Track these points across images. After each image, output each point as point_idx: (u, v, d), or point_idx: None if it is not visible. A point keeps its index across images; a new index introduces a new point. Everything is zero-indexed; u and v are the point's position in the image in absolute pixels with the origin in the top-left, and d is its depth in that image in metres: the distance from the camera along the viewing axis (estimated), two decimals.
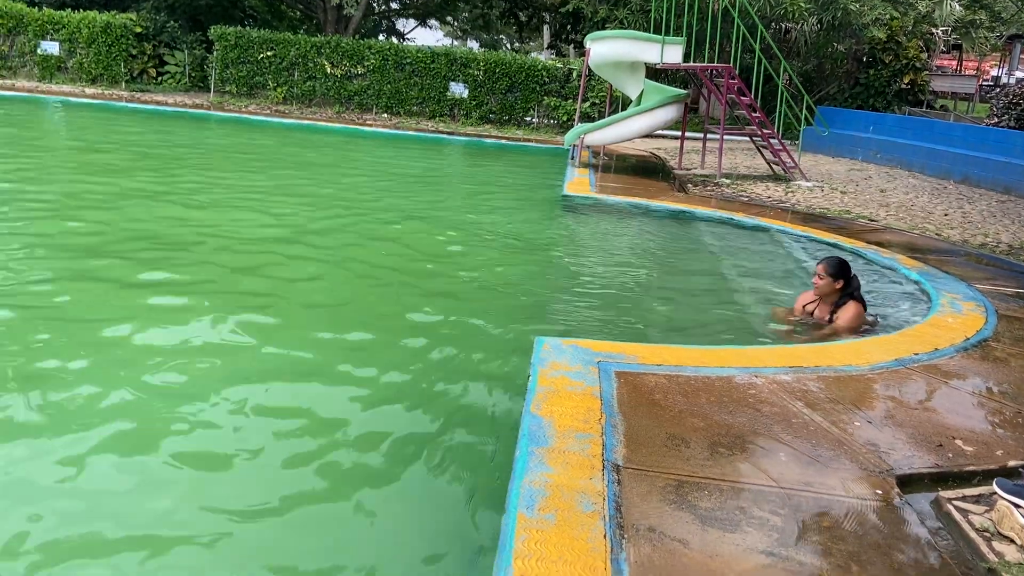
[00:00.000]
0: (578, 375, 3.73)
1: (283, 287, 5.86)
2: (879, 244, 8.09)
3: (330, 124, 18.73)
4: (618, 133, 12.99)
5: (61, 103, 18.48)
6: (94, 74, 21.46)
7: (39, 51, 21.51)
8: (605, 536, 2.42)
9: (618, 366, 3.90)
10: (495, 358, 4.78)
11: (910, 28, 21.35)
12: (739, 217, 9.35)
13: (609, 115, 14.43)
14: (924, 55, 21.82)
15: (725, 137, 13.30)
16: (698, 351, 4.31)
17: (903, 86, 21.43)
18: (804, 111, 14.29)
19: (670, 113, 12.77)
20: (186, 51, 22.21)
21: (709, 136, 14.79)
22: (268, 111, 19.77)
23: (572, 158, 13.78)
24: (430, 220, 8.83)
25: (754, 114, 12.59)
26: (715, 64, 13.11)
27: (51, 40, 21.44)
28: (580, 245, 8.37)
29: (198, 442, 3.52)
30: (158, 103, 19.16)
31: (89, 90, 20.34)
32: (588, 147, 13.93)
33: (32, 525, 2.84)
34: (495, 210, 9.83)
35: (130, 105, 18.77)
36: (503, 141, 18.56)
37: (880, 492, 2.89)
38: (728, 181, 12.57)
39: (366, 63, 20.97)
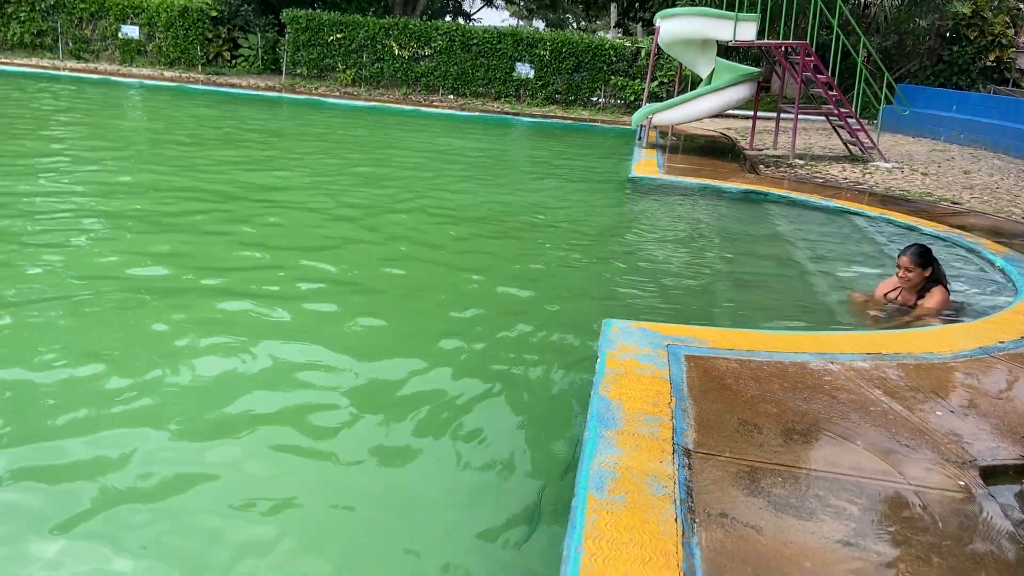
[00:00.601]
0: (647, 358, 3.70)
1: (350, 266, 5.96)
2: (962, 228, 7.78)
3: (397, 105, 18.90)
4: (687, 113, 12.76)
5: (141, 86, 19.09)
6: (172, 57, 22.08)
7: (120, 35, 22.23)
8: (676, 520, 2.41)
9: (688, 350, 3.85)
10: (563, 339, 4.77)
11: (996, 3, 20.35)
12: (813, 199, 9.11)
13: (678, 95, 14.18)
14: (1011, 31, 20.79)
15: (800, 116, 12.95)
16: (771, 336, 4.23)
17: (988, 63, 20.47)
18: (884, 89, 13.77)
19: (742, 92, 12.49)
20: (259, 34, 22.65)
21: (782, 115, 14.40)
22: (337, 93, 20.05)
23: (639, 139, 13.60)
24: (495, 201, 8.85)
25: (831, 92, 12.20)
26: (790, 41, 12.74)
27: (131, 24, 22.13)
28: (648, 227, 8.28)
29: (295, 402, 3.62)
30: (232, 85, 19.63)
31: (167, 73, 20.95)
32: (656, 127, 13.74)
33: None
34: (561, 191, 9.79)
35: (206, 88, 19.27)
36: (569, 122, 18.45)
37: (962, 483, 2.80)
38: (802, 162, 12.25)
39: (433, 44, 21.05)
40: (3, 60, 20.91)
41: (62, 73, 19.96)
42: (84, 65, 21.32)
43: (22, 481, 2.97)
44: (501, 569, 2.73)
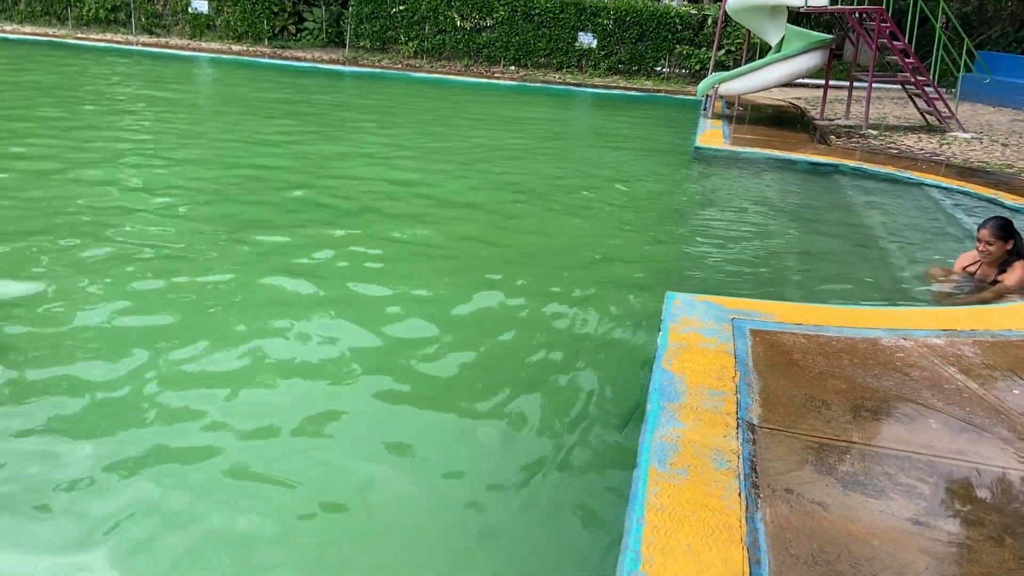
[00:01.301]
0: (711, 332, 3.65)
1: (415, 234, 6.01)
2: None
3: (459, 77, 18.88)
4: (755, 82, 12.42)
5: (210, 60, 19.48)
6: (239, 31, 22.43)
7: (190, 9, 22.66)
8: (740, 494, 2.38)
9: (753, 324, 3.79)
10: (624, 313, 4.75)
11: None
12: (887, 170, 8.81)
13: (746, 63, 13.82)
14: None
15: (874, 85, 12.49)
16: (841, 311, 4.13)
17: None
18: (963, 56, 13.18)
19: (813, 60, 12.08)
20: (323, 7, 22.82)
21: (856, 84, 13.92)
22: (400, 65, 20.12)
23: (705, 109, 13.33)
24: (557, 173, 8.79)
25: (907, 60, 11.73)
26: (865, 6, 12.27)
27: None
28: (713, 199, 8.13)
29: (360, 364, 3.70)
30: (297, 59, 19.87)
31: (235, 47, 21.31)
32: (722, 97, 13.43)
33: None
34: (624, 163, 9.67)
35: (272, 61, 19.55)
36: (632, 92, 18.18)
37: None
38: (875, 132, 11.84)
39: (495, 15, 20.89)
40: (79, 35, 21.56)
41: (135, 48, 20.49)
42: (156, 40, 21.82)
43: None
44: (561, 538, 2.75)
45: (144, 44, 20.95)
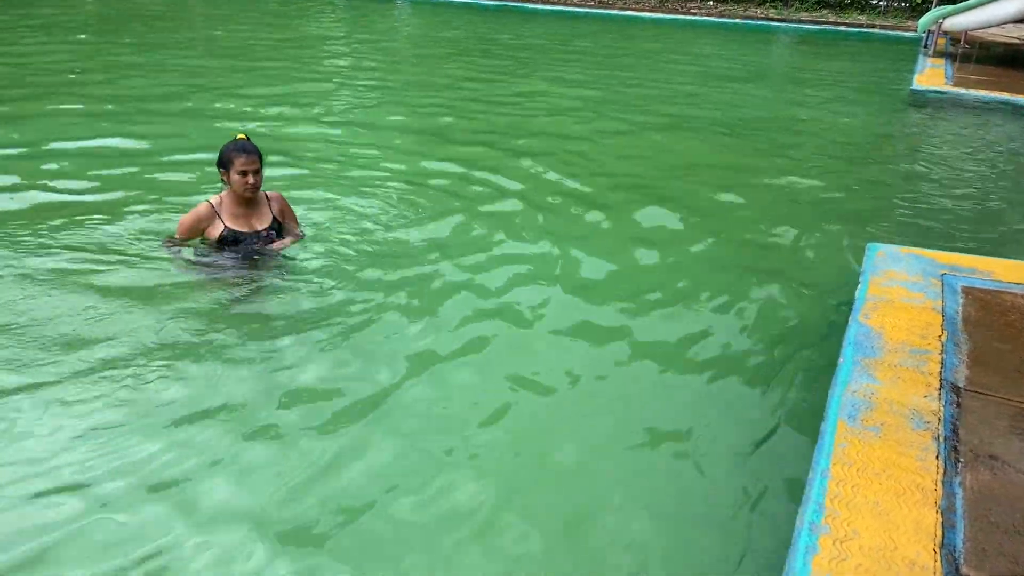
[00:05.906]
0: (916, 287, 3.43)
1: (613, 181, 6.02)
2: None
3: (653, 14, 18.33)
4: (987, 16, 11.15)
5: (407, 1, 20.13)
6: None
7: None
8: (938, 457, 2.27)
9: (967, 281, 3.52)
10: (821, 261, 4.56)
11: None
12: None
13: None
14: None
15: None
16: None
17: None
18: None
19: None
20: None
21: None
22: (592, 2, 19.81)
23: (925, 46, 12.18)
24: (756, 115, 8.41)
25: None
26: None
27: None
28: (929, 145, 7.48)
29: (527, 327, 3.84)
30: None
31: None
32: (946, 33, 12.20)
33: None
34: (831, 106, 9.08)
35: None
36: (843, 28, 16.88)
37: None
38: None
39: None
40: None
41: None
42: None
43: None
44: (745, 478, 2.75)
45: None
